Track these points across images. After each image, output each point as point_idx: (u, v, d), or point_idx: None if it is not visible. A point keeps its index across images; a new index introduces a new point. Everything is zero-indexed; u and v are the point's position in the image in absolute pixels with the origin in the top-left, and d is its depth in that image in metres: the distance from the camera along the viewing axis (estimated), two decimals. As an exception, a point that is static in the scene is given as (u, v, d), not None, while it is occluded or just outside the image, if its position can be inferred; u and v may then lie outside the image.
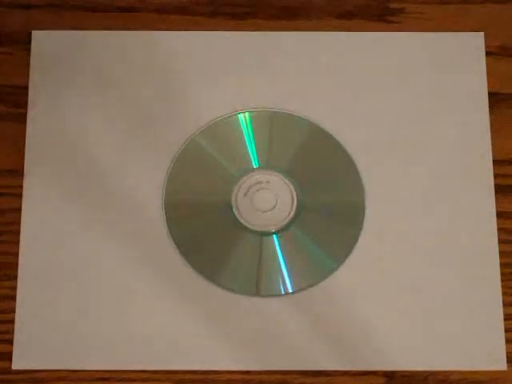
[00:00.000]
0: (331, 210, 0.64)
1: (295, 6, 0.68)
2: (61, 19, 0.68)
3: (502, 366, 0.62)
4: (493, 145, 0.66)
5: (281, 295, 0.63)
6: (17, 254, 0.63)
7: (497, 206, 0.65)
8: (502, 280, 0.63)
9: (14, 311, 0.63)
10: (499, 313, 0.63)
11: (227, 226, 0.64)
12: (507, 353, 0.62)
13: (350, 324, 0.62)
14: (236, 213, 0.64)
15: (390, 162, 0.65)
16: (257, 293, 0.63)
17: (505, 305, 0.63)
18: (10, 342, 0.62)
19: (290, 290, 0.63)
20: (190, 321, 0.62)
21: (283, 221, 0.64)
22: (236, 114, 0.66)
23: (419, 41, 0.68)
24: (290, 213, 0.64)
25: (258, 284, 0.63)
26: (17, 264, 0.63)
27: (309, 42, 0.67)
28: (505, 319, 0.63)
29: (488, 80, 0.67)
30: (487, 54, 0.67)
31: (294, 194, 0.64)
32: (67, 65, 0.67)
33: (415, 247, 0.64)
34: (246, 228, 0.64)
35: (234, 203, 0.64)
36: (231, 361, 0.62)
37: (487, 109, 0.66)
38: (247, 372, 0.62)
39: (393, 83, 0.67)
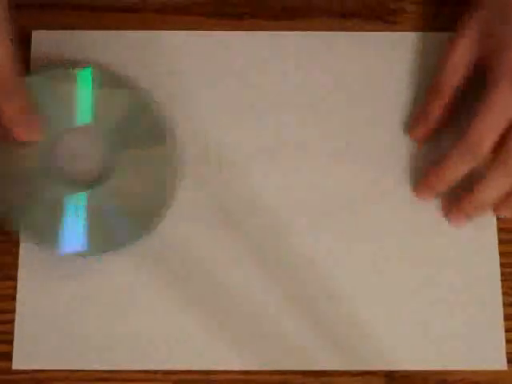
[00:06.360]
0: (141, 166, 0.63)
1: (295, 6, 0.68)
2: (61, 19, 0.68)
3: (502, 365, 0.62)
4: (493, 145, 0.66)
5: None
6: (17, 254, 0.64)
7: (497, 206, 0.65)
8: (502, 280, 0.64)
9: (14, 311, 0.63)
10: (499, 313, 0.63)
11: (46, 189, 0.62)
12: (507, 353, 0.62)
13: (350, 324, 0.63)
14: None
15: (391, 162, 0.65)
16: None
17: (505, 305, 0.63)
18: (10, 342, 0.62)
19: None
20: (189, 321, 0.62)
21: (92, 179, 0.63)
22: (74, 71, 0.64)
23: (419, 41, 0.68)
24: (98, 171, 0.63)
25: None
26: (17, 264, 0.63)
27: (309, 42, 0.67)
28: (505, 319, 0.63)
29: (488, 80, 0.67)
30: (487, 54, 0.67)
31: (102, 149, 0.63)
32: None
33: (415, 247, 0.64)
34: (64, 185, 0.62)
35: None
36: (231, 361, 0.62)
37: (487, 109, 0.66)
38: (247, 372, 0.62)
39: (393, 83, 0.67)
